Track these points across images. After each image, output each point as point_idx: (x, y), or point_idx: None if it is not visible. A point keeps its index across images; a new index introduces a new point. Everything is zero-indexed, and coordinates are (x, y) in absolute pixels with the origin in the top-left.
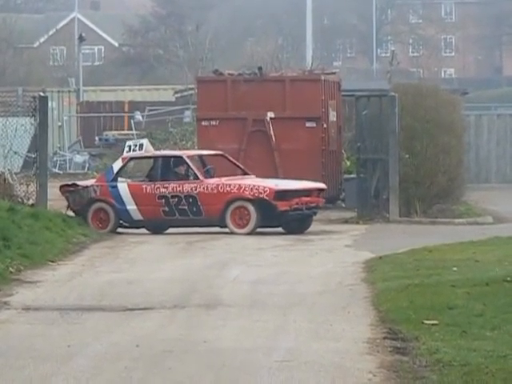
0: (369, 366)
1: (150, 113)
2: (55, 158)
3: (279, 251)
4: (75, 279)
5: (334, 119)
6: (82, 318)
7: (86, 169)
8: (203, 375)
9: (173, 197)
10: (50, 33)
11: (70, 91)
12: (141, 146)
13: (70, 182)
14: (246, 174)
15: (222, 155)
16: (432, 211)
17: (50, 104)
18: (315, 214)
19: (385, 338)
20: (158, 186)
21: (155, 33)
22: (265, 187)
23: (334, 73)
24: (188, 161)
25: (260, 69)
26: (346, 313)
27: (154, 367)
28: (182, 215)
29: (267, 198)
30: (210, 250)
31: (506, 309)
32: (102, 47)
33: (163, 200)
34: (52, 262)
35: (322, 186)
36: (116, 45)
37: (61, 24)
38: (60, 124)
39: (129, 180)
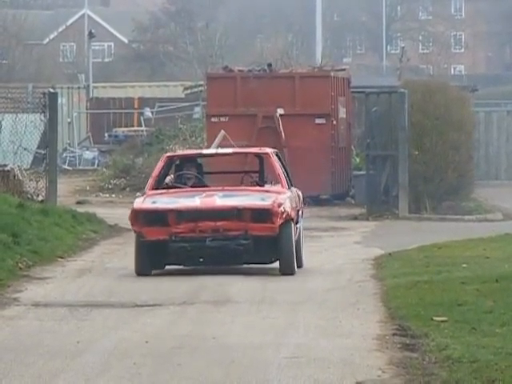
0: (378, 362)
1: (160, 109)
2: (65, 155)
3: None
4: (84, 276)
5: (344, 116)
6: (91, 314)
7: (96, 165)
8: (212, 371)
9: None
10: (60, 29)
11: (79, 87)
12: None
13: None
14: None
15: None
16: (441, 208)
17: (59, 100)
18: (243, 246)
19: (394, 334)
20: None
21: (165, 29)
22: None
23: (344, 69)
24: None
25: (270, 65)
26: (355, 309)
27: (163, 363)
28: None
29: (130, 221)
30: None
31: None
32: (112, 44)
33: None
34: (61, 258)
35: (263, 205)
36: (126, 41)
37: (70, 20)
38: (70, 120)
39: None
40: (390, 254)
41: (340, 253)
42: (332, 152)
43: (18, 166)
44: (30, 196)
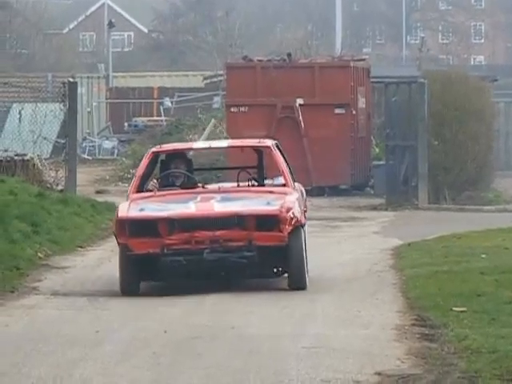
0: (397, 352)
1: (179, 99)
2: (84, 144)
3: (307, 238)
4: (103, 265)
5: (363, 106)
6: (110, 303)
7: (115, 155)
8: (231, 361)
9: None
10: (80, 19)
11: (99, 77)
12: None
13: None
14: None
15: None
16: (461, 198)
17: (79, 90)
18: (247, 258)
19: (413, 324)
20: None
21: (185, 19)
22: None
23: (364, 59)
24: None
25: (289, 55)
26: (374, 299)
27: (181, 353)
28: None
29: (114, 232)
30: None
31: None
32: (132, 33)
33: None
34: (81, 247)
35: (270, 210)
36: (145, 31)
37: (90, 10)
38: (89, 110)
39: None
40: (409, 244)
41: (359, 243)
42: (351, 142)
43: (38, 156)
44: (49, 185)
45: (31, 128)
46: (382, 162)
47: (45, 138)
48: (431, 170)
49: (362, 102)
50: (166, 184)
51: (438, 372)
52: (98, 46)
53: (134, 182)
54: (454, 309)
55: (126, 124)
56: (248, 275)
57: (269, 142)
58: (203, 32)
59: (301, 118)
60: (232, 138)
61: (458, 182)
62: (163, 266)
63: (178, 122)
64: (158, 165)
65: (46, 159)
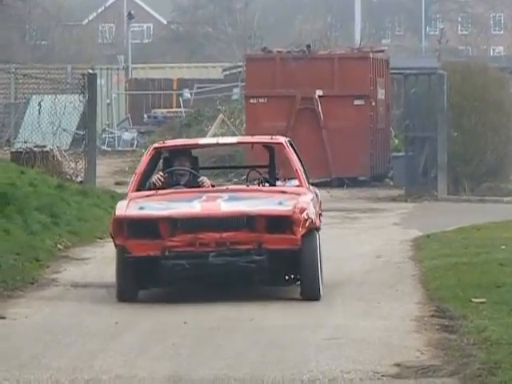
0: (416, 343)
1: (199, 90)
2: (104, 135)
3: (326, 229)
4: None
5: (383, 97)
6: None
7: (135, 146)
8: (250, 352)
9: None
10: (99, 10)
11: (118, 69)
12: None
13: None
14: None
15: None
16: (480, 189)
17: (98, 81)
18: (256, 263)
19: (432, 316)
20: None
21: (204, 10)
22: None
23: (383, 50)
24: None
25: (308, 46)
26: (393, 291)
27: (201, 344)
28: None
29: (111, 232)
30: None
31: None
32: (151, 25)
33: None
34: (100, 239)
35: (282, 211)
36: (165, 22)
37: (110, 1)
38: (109, 101)
39: None
40: (428, 235)
41: (378, 234)
42: (371, 133)
43: (57, 147)
44: (69, 177)
45: (51, 119)
46: (401, 154)
47: (64, 130)
48: (450, 161)
49: (381, 94)
50: (169, 182)
51: (457, 363)
52: (118, 37)
53: (134, 179)
54: (474, 300)
55: (145, 115)
56: (257, 282)
57: (281, 139)
58: (222, 23)
59: (320, 109)
60: (251, 129)
61: (478, 173)
62: (164, 270)
63: (197, 114)
64: (161, 162)
65: (65, 151)
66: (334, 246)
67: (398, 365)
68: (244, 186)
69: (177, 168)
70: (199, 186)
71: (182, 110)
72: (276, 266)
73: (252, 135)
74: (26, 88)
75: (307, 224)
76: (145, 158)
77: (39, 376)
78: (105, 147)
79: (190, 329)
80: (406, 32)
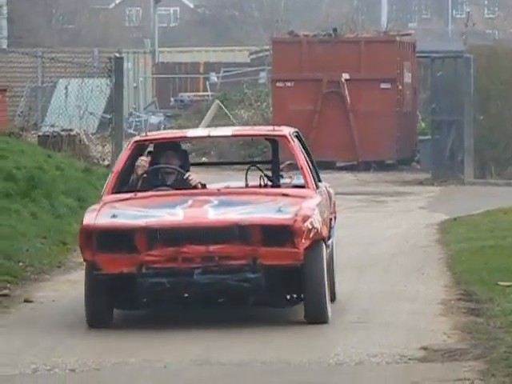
0: (443, 327)
1: (225, 74)
2: (130, 119)
3: (353, 213)
4: None
5: (409, 81)
6: None
7: (162, 130)
8: (275, 338)
9: None
10: None
11: (145, 52)
12: None
13: None
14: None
15: None
16: (507, 173)
17: (125, 65)
18: (250, 282)
19: (459, 299)
20: None
21: None
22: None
23: (409, 34)
24: None
25: (335, 30)
26: (420, 274)
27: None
28: None
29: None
30: None
31: None
32: (178, 8)
33: None
34: None
35: (280, 219)
36: (191, 6)
37: None
38: (135, 85)
39: None
40: (455, 218)
41: (405, 218)
42: (397, 117)
43: (84, 131)
44: (95, 160)
45: (77, 103)
46: (427, 137)
47: (91, 113)
48: (477, 144)
49: (407, 77)
50: (153, 182)
51: (484, 346)
52: (144, 21)
53: (110, 179)
54: (500, 283)
55: (172, 99)
56: (252, 303)
57: (286, 130)
58: (249, 7)
59: (347, 92)
60: (278, 112)
61: (504, 156)
62: (141, 289)
63: (223, 97)
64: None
65: (92, 134)
66: (360, 229)
67: (424, 348)
68: (239, 188)
69: (159, 167)
70: (187, 187)
71: (209, 93)
72: (274, 284)
73: (279, 119)
74: (52, 72)
75: (311, 235)
76: (124, 154)
77: (66, 359)
78: (131, 131)
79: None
80: (432, 15)
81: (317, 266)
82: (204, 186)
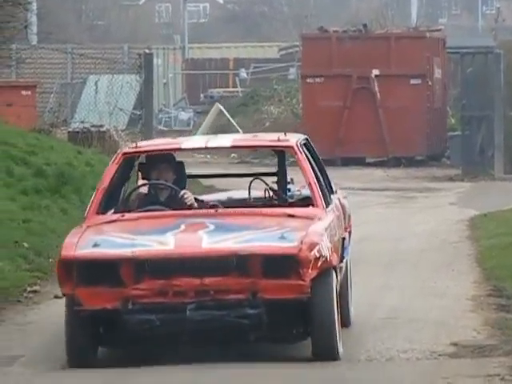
0: (473, 323)
1: (255, 70)
2: (160, 115)
3: (383, 208)
4: None
5: (439, 76)
6: None
7: (191, 126)
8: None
9: None
10: None
11: (175, 48)
12: None
13: None
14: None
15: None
16: None
17: (155, 61)
18: (250, 318)
19: (489, 295)
20: None
21: None
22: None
23: (439, 30)
24: None
25: (365, 26)
26: (449, 270)
27: None
28: None
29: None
30: None
31: None
32: (208, 4)
33: None
34: None
35: (284, 248)
36: (221, 2)
37: None
38: (165, 81)
39: None
40: (485, 214)
41: (434, 214)
42: (427, 113)
43: (114, 127)
44: None
45: (107, 99)
46: (457, 133)
47: (121, 110)
48: (507, 140)
49: (437, 73)
50: (146, 199)
51: None
52: (174, 17)
53: (94, 198)
54: None
55: (201, 95)
56: (253, 339)
57: (292, 141)
58: (278, 3)
59: (376, 88)
60: (307, 108)
61: None
62: (127, 327)
63: (253, 93)
64: (136, 171)
65: (122, 130)
66: (390, 225)
67: (454, 344)
68: (240, 203)
69: (150, 183)
70: (181, 206)
71: (239, 89)
72: (278, 320)
73: (309, 115)
74: (82, 68)
75: (319, 264)
76: (110, 168)
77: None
78: (161, 127)
79: None
80: (462, 11)
81: (325, 298)
82: (201, 203)
